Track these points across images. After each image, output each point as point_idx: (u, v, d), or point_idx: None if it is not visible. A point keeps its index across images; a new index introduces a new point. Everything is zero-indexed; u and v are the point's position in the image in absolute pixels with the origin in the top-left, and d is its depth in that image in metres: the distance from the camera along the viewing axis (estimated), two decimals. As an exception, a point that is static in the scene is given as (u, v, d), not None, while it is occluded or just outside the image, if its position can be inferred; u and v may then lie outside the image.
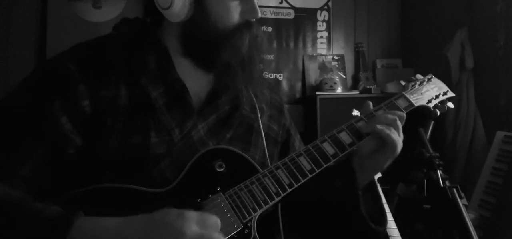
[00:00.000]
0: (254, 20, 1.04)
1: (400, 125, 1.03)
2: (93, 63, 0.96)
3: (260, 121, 1.12)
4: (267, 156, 1.10)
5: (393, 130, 1.02)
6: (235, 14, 1.00)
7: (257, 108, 1.13)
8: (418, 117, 1.17)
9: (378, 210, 1.11)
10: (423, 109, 1.16)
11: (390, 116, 1.04)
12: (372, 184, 1.12)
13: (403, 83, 1.21)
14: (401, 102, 1.13)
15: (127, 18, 1.08)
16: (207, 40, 1.00)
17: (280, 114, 1.22)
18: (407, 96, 1.15)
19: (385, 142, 1.02)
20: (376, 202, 1.12)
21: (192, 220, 0.78)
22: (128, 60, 0.99)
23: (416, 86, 1.19)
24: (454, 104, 1.22)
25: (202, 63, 1.04)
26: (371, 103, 1.12)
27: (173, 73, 1.01)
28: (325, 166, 1.01)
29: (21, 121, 0.90)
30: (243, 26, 1.01)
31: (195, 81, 1.04)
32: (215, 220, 0.82)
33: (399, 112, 1.06)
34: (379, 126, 1.02)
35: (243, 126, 1.09)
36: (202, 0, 0.98)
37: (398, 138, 1.02)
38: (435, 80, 1.25)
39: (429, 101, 1.17)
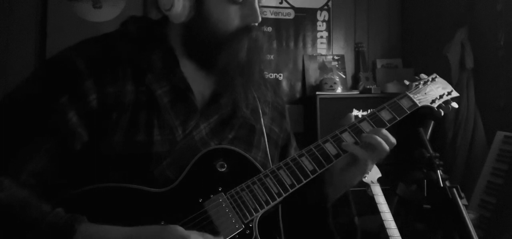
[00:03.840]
0: (255, 24, 1.02)
1: (382, 146, 1.02)
2: (101, 59, 0.96)
3: (262, 123, 1.12)
4: (269, 157, 1.10)
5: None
6: (235, 18, 0.99)
7: (260, 110, 1.12)
8: (419, 117, 1.17)
9: (350, 225, 1.12)
10: (427, 109, 1.15)
11: (373, 141, 1.02)
12: (346, 197, 1.13)
13: (407, 82, 1.20)
14: (404, 102, 1.12)
15: (135, 16, 1.08)
16: (206, 43, 1.00)
17: (281, 117, 1.22)
18: (411, 96, 1.14)
19: (357, 159, 1.02)
20: (349, 217, 1.13)
21: None
22: (135, 57, 0.99)
23: (420, 86, 1.19)
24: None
25: (202, 66, 1.04)
26: (350, 119, 1.11)
27: (178, 72, 1.01)
28: (327, 166, 1.01)
29: (29, 116, 0.91)
30: (243, 30, 1.00)
31: (199, 81, 1.04)
32: None
33: (382, 139, 1.03)
34: (352, 145, 1.02)
35: (245, 127, 1.09)
36: (202, 3, 0.98)
37: (370, 159, 1.02)
38: (439, 79, 1.24)
39: (433, 101, 1.16)
